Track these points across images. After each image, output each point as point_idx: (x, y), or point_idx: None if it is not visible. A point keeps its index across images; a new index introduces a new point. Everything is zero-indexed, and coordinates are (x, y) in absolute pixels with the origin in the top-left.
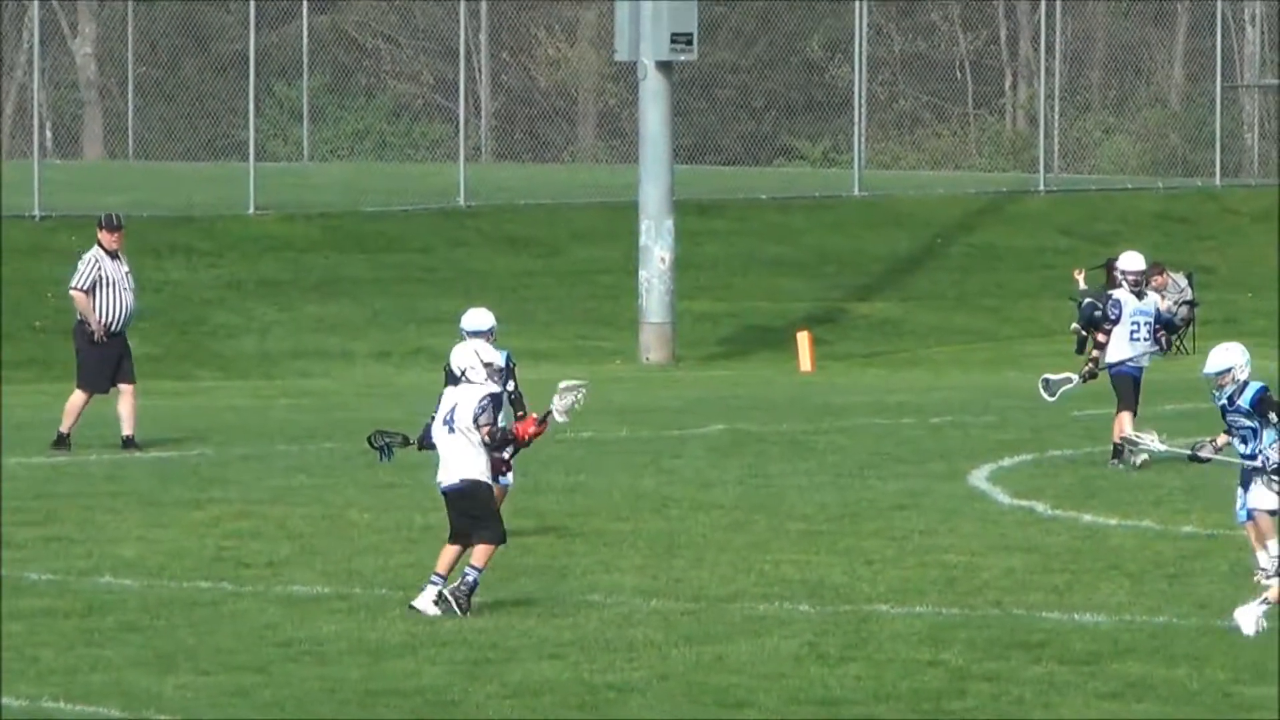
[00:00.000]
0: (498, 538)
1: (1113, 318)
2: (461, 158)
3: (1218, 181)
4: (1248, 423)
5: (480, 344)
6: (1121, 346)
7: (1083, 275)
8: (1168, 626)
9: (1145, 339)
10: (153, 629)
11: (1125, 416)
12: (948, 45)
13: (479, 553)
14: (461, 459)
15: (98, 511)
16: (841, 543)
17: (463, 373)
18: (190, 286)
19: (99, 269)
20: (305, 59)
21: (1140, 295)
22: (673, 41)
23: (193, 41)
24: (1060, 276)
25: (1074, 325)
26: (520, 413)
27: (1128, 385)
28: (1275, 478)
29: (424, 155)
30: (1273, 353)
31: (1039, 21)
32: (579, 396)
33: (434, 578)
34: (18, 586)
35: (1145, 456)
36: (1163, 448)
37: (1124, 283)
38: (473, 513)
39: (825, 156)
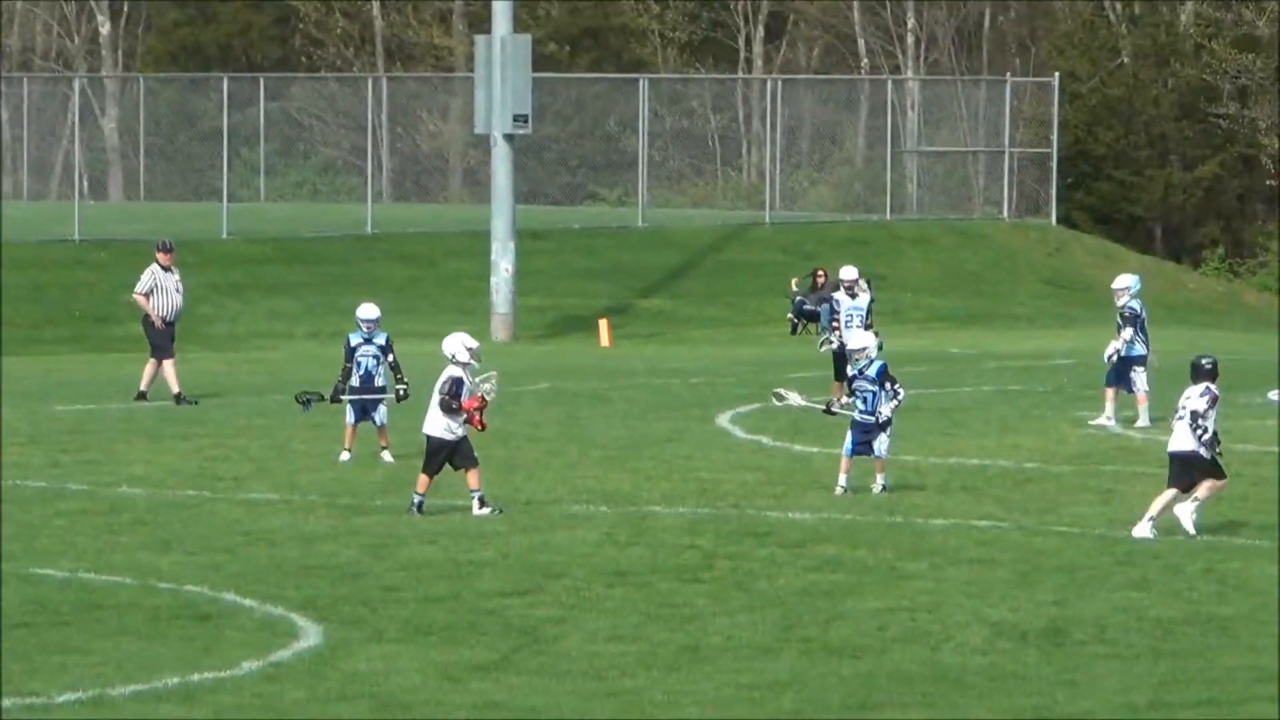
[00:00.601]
0: (475, 462)
1: (835, 312)
2: (369, 200)
3: (888, 216)
4: (870, 387)
5: (465, 336)
6: (844, 334)
7: (795, 281)
8: (853, 522)
9: (859, 327)
10: (155, 523)
11: (837, 385)
12: (703, 123)
13: (471, 478)
14: (437, 419)
15: (117, 442)
16: (629, 464)
17: (452, 356)
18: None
19: (155, 278)
20: (262, 132)
21: (853, 296)
22: (514, 120)
23: (185, 119)
24: (780, 282)
25: (789, 315)
26: (398, 375)
27: (843, 363)
28: (887, 431)
29: (343, 198)
30: (922, 331)
31: (766, 106)
32: (494, 383)
33: (416, 497)
34: (61, 495)
35: (787, 404)
36: (802, 402)
37: (842, 288)
38: (455, 451)
39: (619, 200)
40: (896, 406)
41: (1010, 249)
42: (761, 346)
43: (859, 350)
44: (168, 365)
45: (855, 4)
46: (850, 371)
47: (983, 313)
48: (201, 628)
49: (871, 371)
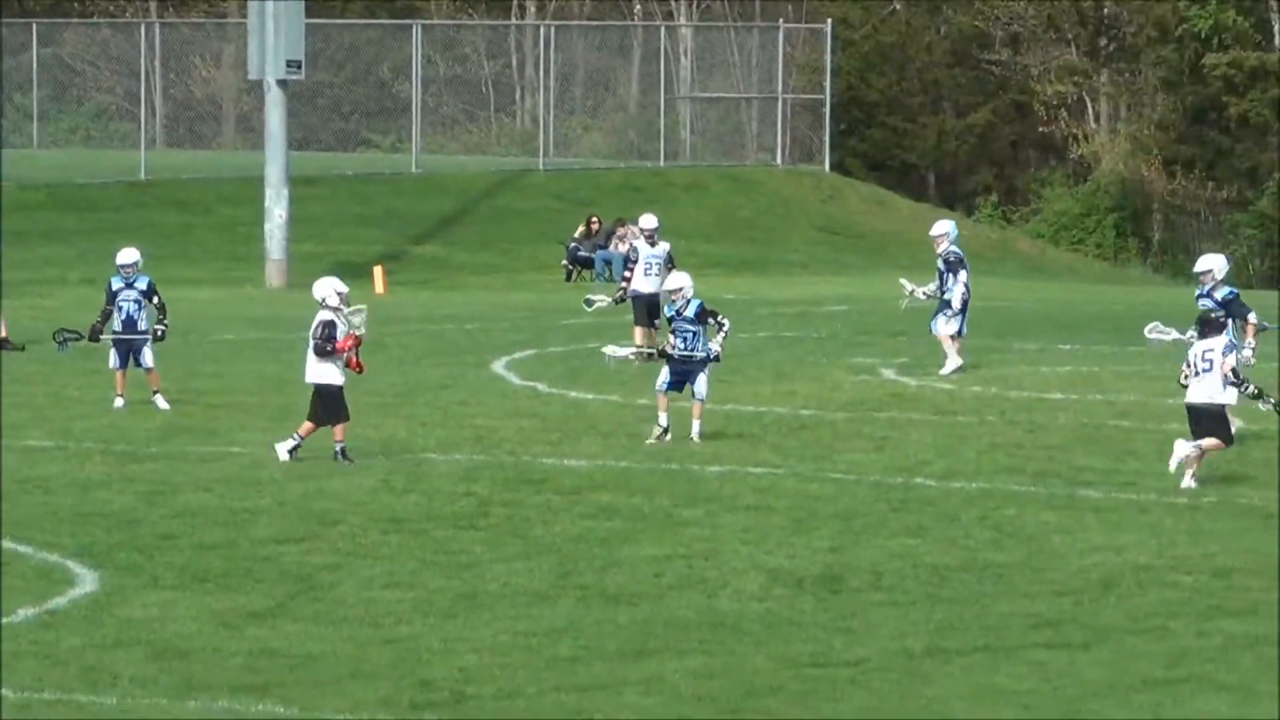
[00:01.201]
0: (345, 418)
1: (633, 260)
2: (143, 146)
3: (662, 163)
4: (691, 327)
5: (335, 280)
6: (639, 280)
7: (580, 231)
8: (628, 469)
9: (656, 275)
10: None
11: (638, 330)
12: (477, 69)
13: (337, 431)
14: (317, 365)
15: None
16: (404, 410)
17: (322, 300)
18: None
19: None
20: (35, 78)
21: (653, 243)
22: (288, 66)
23: None
24: (554, 229)
25: (564, 261)
26: (162, 315)
27: (641, 308)
28: (707, 370)
29: (117, 145)
30: (696, 278)
31: (540, 53)
32: (364, 316)
33: (296, 436)
34: None
35: (623, 356)
36: (629, 352)
37: (641, 235)
38: (326, 402)
39: (393, 146)
40: (726, 337)
41: (784, 196)
42: (536, 293)
43: (675, 290)
44: None
45: None
46: (668, 312)
47: (757, 259)
48: None
49: (690, 311)
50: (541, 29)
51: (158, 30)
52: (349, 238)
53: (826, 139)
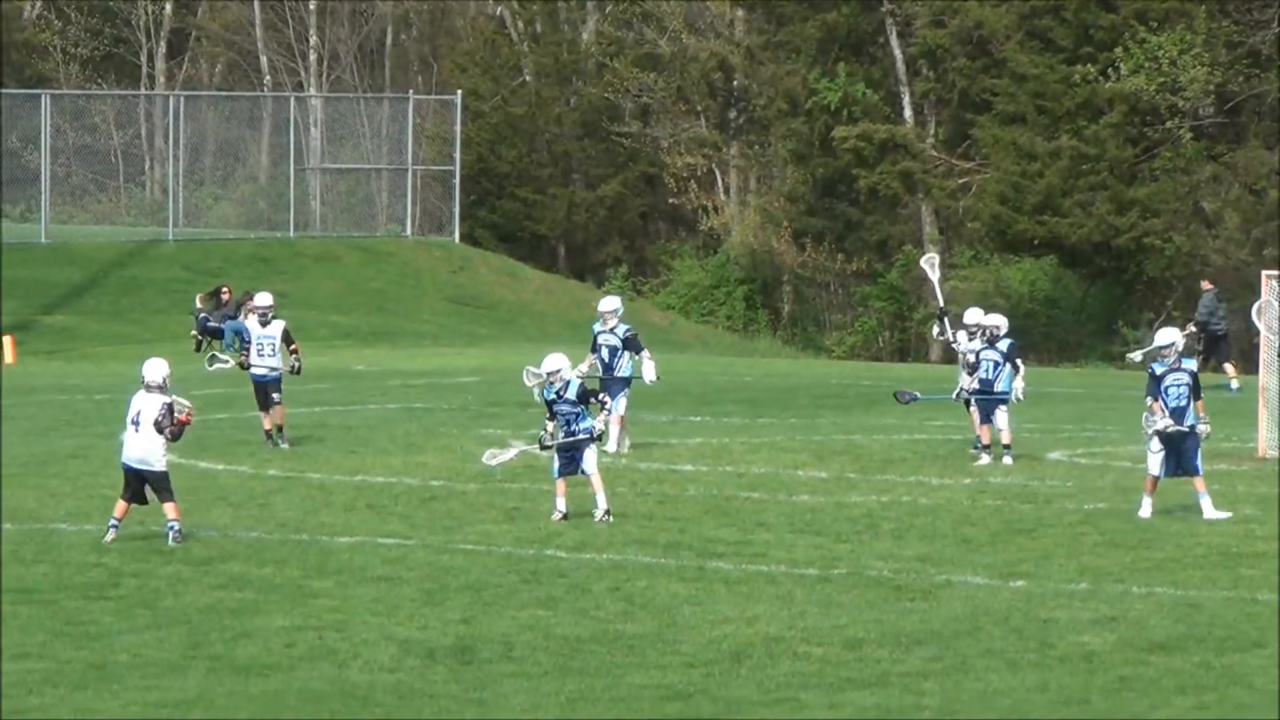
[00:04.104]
0: (174, 496)
1: (246, 340)
2: None
3: (292, 234)
4: (572, 409)
5: (162, 362)
6: (253, 360)
7: (200, 298)
8: (259, 539)
9: (270, 355)
10: None
11: (271, 416)
12: (106, 139)
13: (169, 509)
14: (148, 447)
15: None
16: (34, 481)
17: (164, 382)
18: None
19: None
20: None
21: (265, 323)
22: None
23: None
24: (184, 298)
25: (193, 332)
26: None
27: (258, 388)
28: (593, 447)
29: None
30: (326, 349)
31: (169, 123)
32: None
33: (114, 522)
34: None
35: (508, 459)
36: (512, 454)
37: (254, 314)
38: (157, 485)
39: (22, 215)
40: (608, 416)
41: (414, 267)
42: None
43: (553, 373)
44: None
45: (257, 21)
46: (546, 395)
47: (388, 330)
48: None
49: (571, 393)
50: (171, 99)
51: None
52: None
53: (456, 210)
